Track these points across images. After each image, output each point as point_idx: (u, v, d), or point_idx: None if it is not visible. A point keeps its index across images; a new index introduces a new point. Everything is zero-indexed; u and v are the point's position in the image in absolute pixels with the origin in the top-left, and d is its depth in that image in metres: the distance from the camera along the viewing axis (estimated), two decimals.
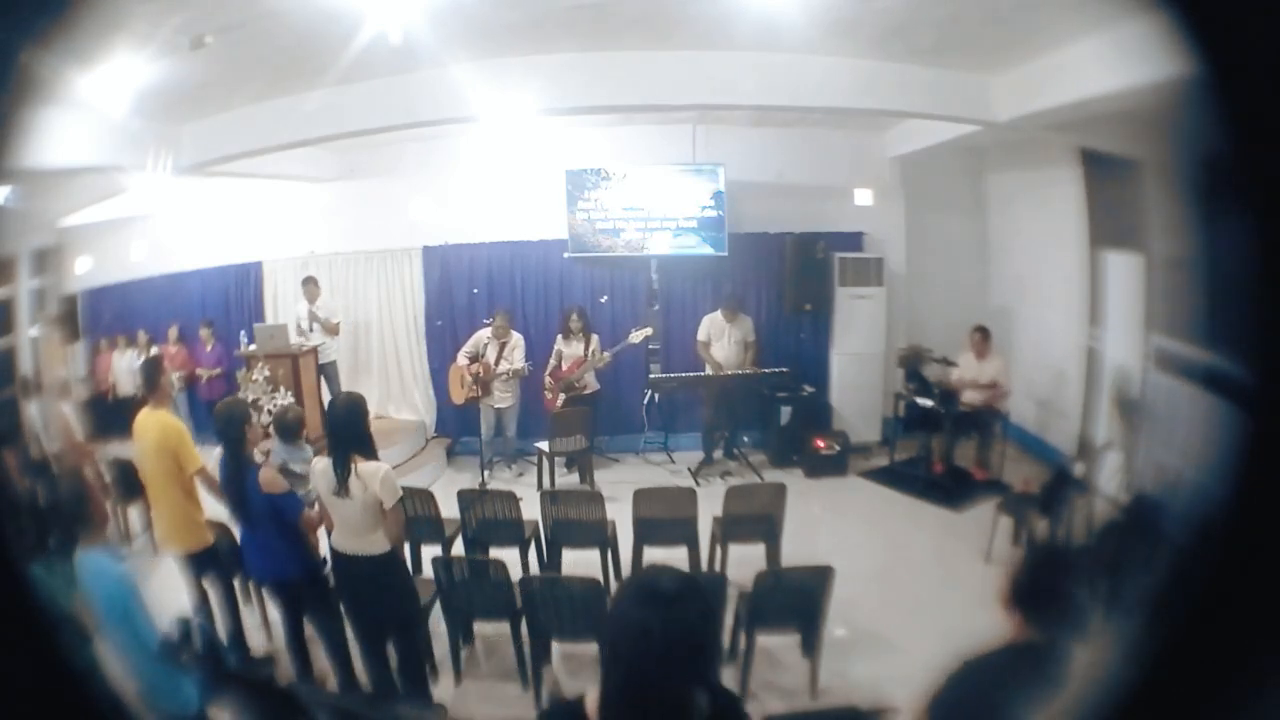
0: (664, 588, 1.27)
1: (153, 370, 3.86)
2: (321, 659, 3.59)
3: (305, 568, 3.47)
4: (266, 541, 3.43)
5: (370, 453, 3.17)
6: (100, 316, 7.12)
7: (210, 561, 3.80)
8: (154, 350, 7.03)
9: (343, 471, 3.11)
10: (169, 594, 3.83)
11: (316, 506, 3.52)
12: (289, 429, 3.88)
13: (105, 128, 4.20)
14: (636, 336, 6.38)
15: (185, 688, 2.52)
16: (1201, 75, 0.76)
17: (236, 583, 4.04)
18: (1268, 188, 0.75)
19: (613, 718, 1.28)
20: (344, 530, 3.23)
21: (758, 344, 6.62)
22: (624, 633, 1.28)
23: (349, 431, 3.17)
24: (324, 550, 3.49)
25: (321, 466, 3.19)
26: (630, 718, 1.27)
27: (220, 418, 3.47)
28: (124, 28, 3.25)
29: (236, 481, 3.39)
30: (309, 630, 3.61)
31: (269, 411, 5.33)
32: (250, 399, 5.69)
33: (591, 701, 1.30)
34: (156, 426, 3.70)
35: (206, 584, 3.86)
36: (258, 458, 3.64)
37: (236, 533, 3.97)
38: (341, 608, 3.45)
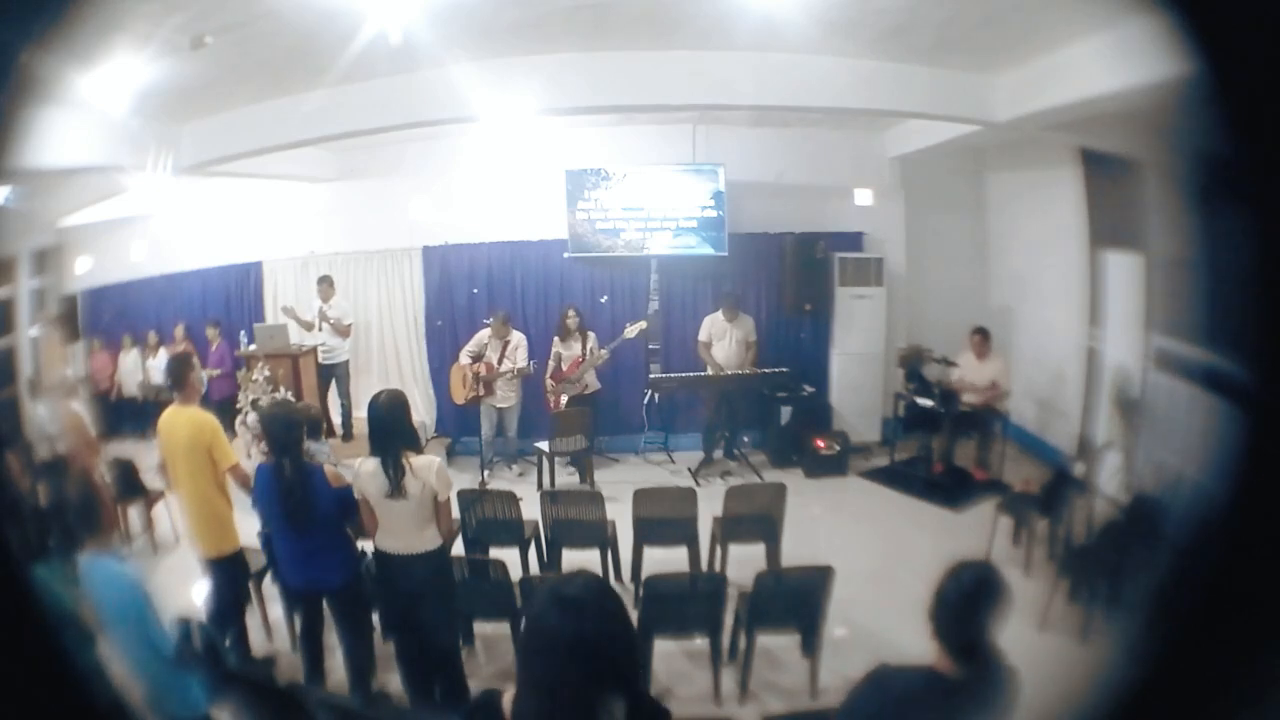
0: (570, 594, 1.30)
1: (182, 367, 3.68)
2: (329, 662, 3.56)
3: (349, 574, 3.35)
4: (318, 547, 3.27)
5: (419, 447, 3.14)
6: (100, 316, 7.12)
7: (239, 564, 3.69)
8: (162, 350, 7.04)
9: (396, 470, 3.02)
10: (169, 594, 3.83)
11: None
12: (315, 425, 3.83)
13: (105, 128, 4.19)
14: (631, 330, 6.38)
15: (193, 690, 2.52)
16: (1201, 75, 0.76)
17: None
18: (1267, 188, 0.75)
19: (519, 715, 1.32)
20: (394, 531, 3.13)
21: (758, 344, 6.62)
22: (530, 635, 1.35)
23: (397, 428, 3.10)
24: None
25: (370, 468, 3.07)
26: (533, 717, 1.31)
27: (276, 423, 3.30)
28: (124, 28, 3.25)
29: (301, 487, 3.18)
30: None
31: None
32: (251, 399, 5.70)
33: (508, 699, 1.35)
34: (188, 423, 3.53)
35: (229, 587, 3.69)
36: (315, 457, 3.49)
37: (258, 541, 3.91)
38: (382, 614, 3.39)
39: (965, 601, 1.82)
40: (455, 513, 4.44)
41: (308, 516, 3.20)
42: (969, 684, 1.75)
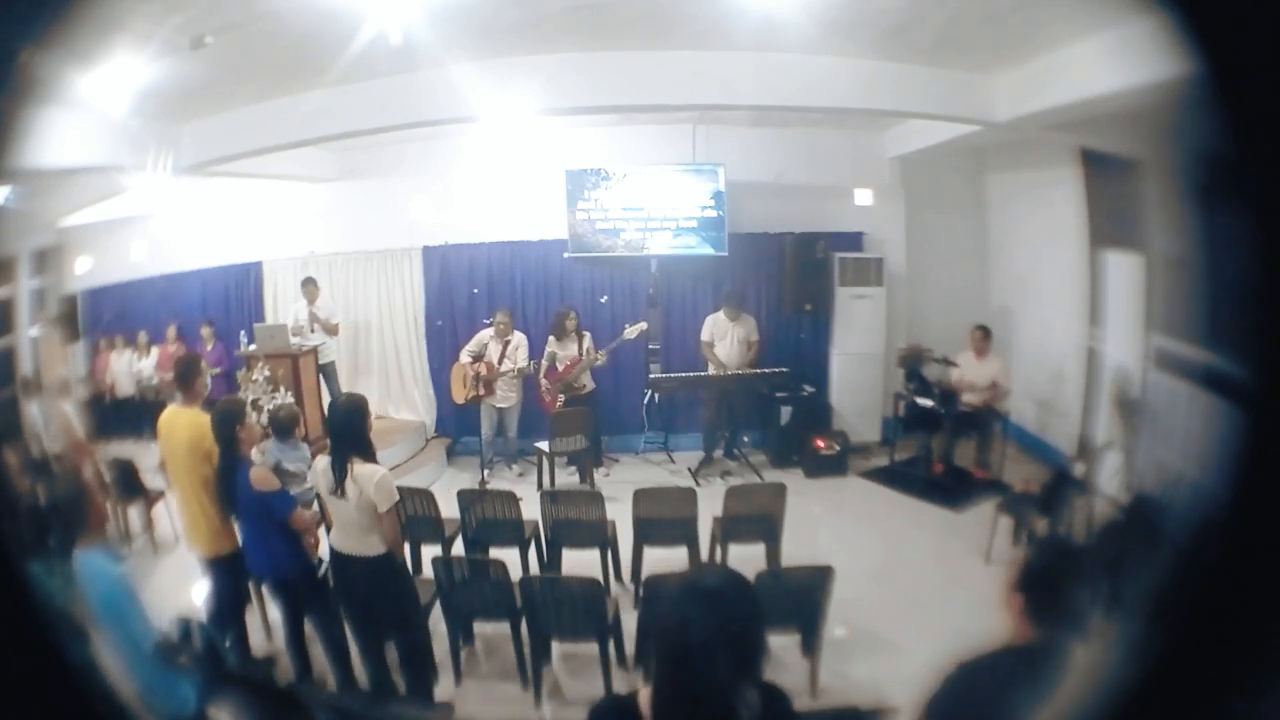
0: (706, 584, 1.31)
1: (189, 368, 3.74)
2: (322, 660, 3.59)
3: (301, 567, 3.47)
4: (262, 539, 3.45)
5: (369, 455, 3.16)
6: (100, 316, 7.12)
7: (236, 565, 3.69)
8: (154, 351, 7.04)
9: (340, 472, 3.11)
10: (169, 594, 3.84)
11: (315, 506, 3.52)
12: (283, 427, 3.89)
13: (105, 128, 4.19)
14: (631, 332, 6.38)
15: (182, 688, 2.52)
16: (1201, 75, 0.76)
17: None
18: (1268, 188, 0.75)
19: (663, 714, 1.30)
20: (342, 530, 3.23)
21: (760, 343, 6.62)
22: (667, 629, 1.32)
23: (348, 432, 3.17)
24: (324, 550, 3.49)
25: (322, 466, 3.20)
26: (680, 714, 1.29)
27: (215, 416, 3.48)
28: (124, 28, 3.25)
29: (227, 479, 3.42)
30: (307, 630, 3.61)
31: (268, 411, 5.32)
32: (250, 399, 5.69)
33: (644, 698, 1.33)
34: (189, 425, 3.58)
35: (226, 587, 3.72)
36: (255, 456, 3.64)
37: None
38: (340, 607, 3.45)
39: (1064, 563, 1.94)
40: (455, 515, 4.48)
41: (233, 508, 3.45)
42: (1045, 649, 1.77)
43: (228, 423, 3.44)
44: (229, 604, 3.71)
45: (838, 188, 7.10)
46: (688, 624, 1.27)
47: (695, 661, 1.25)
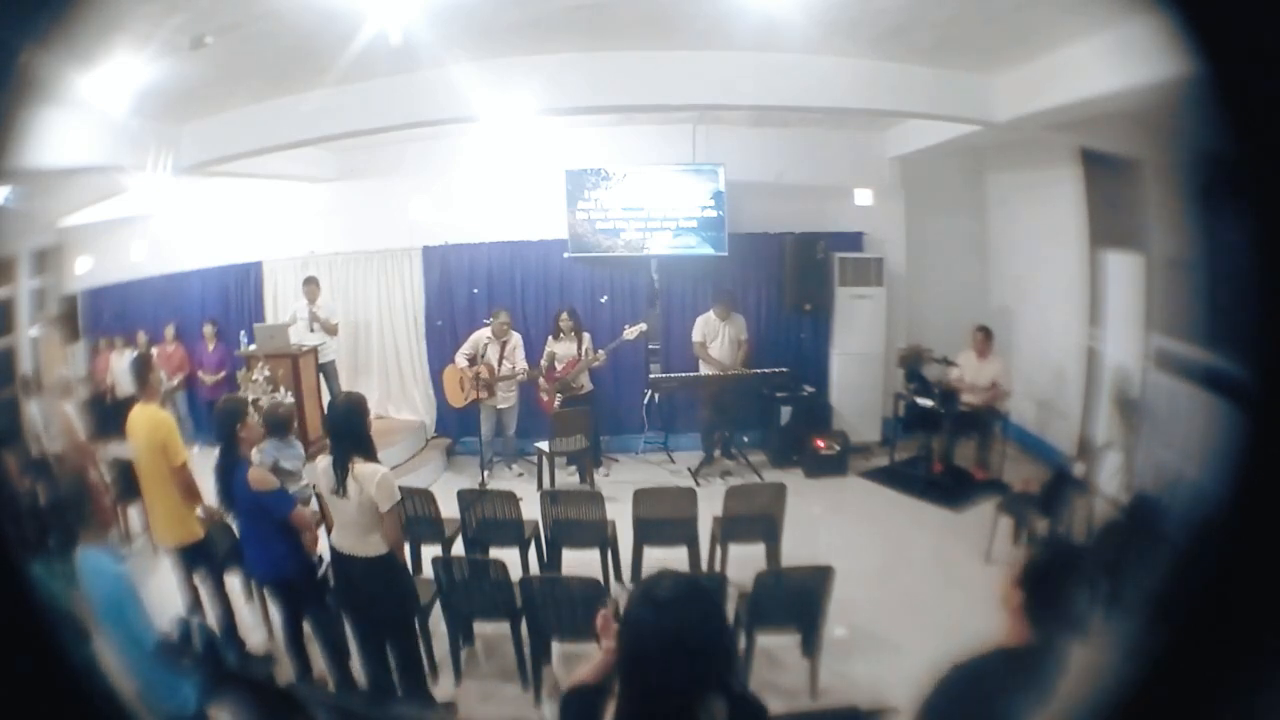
0: (662, 593, 1.28)
1: (141, 367, 3.97)
2: (320, 659, 3.59)
3: (300, 566, 3.47)
4: (261, 539, 3.46)
5: (369, 454, 3.16)
6: (100, 316, 7.11)
7: (201, 556, 3.84)
8: (153, 350, 7.03)
9: (341, 472, 3.11)
10: (169, 594, 3.83)
11: (314, 504, 3.52)
12: (279, 425, 3.89)
13: (105, 128, 4.19)
14: (631, 333, 6.37)
15: (183, 688, 2.52)
16: (1201, 75, 0.76)
17: (238, 580, 4.05)
18: (1268, 188, 0.75)
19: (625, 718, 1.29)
20: (343, 530, 3.22)
21: (750, 342, 6.62)
22: (629, 638, 1.30)
23: (348, 431, 3.17)
24: (322, 549, 3.49)
25: (323, 465, 3.19)
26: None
27: (216, 414, 3.56)
28: (124, 28, 3.25)
29: (226, 477, 3.44)
30: (306, 630, 3.61)
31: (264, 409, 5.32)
32: (250, 398, 5.69)
33: (581, 674, 1.37)
34: (147, 422, 3.79)
35: (198, 579, 3.89)
36: (254, 456, 3.65)
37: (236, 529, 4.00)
38: (340, 607, 3.45)
39: (1065, 564, 1.93)
40: (455, 515, 4.48)
41: (233, 507, 3.48)
42: (1045, 649, 1.76)
43: (228, 421, 3.47)
44: (195, 594, 3.84)
45: (838, 188, 7.10)
46: (644, 633, 1.26)
47: (651, 672, 1.24)
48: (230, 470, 3.43)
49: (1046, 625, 1.81)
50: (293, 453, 3.89)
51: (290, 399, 5.64)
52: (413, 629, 3.50)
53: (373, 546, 3.18)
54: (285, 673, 3.73)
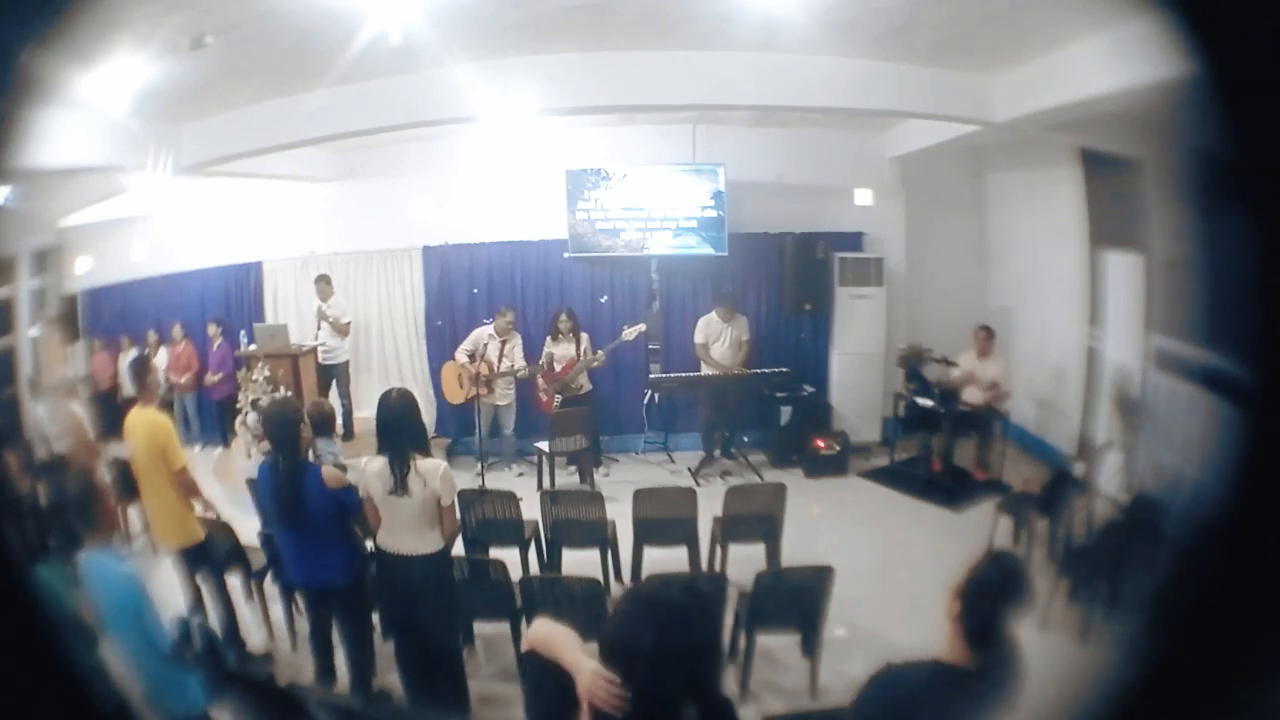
0: (660, 600, 1.28)
1: (140, 369, 4.00)
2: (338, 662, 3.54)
3: (353, 571, 3.33)
4: (317, 545, 3.25)
5: (427, 449, 3.13)
6: (100, 316, 7.10)
7: (202, 558, 3.83)
8: (162, 350, 7.04)
9: (402, 469, 3.04)
10: (169, 594, 3.84)
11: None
12: (325, 424, 3.83)
13: (105, 128, 4.19)
14: (630, 333, 6.37)
15: (192, 688, 2.53)
16: (1201, 75, 0.76)
17: (238, 580, 4.05)
18: (1267, 188, 0.75)
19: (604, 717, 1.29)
20: (396, 530, 3.14)
21: (751, 343, 6.62)
22: (612, 642, 1.30)
23: (405, 427, 3.11)
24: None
25: (376, 467, 3.10)
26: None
27: (272, 419, 3.31)
28: (124, 28, 3.24)
29: (293, 483, 3.17)
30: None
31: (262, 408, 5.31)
32: (251, 399, 5.69)
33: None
34: (145, 424, 3.76)
35: (199, 580, 3.88)
36: (310, 457, 3.45)
37: (237, 531, 3.98)
38: (385, 610, 3.39)
39: (996, 588, 1.84)
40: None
41: (299, 514, 3.19)
42: (979, 674, 1.75)
43: (290, 426, 3.22)
44: (198, 595, 3.82)
45: (838, 188, 7.09)
46: (623, 636, 1.26)
47: (631, 675, 1.24)
48: (299, 475, 3.17)
49: (978, 640, 1.79)
50: (334, 450, 3.86)
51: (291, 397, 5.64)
52: (458, 629, 3.46)
53: (430, 543, 3.13)
54: (284, 673, 3.74)
